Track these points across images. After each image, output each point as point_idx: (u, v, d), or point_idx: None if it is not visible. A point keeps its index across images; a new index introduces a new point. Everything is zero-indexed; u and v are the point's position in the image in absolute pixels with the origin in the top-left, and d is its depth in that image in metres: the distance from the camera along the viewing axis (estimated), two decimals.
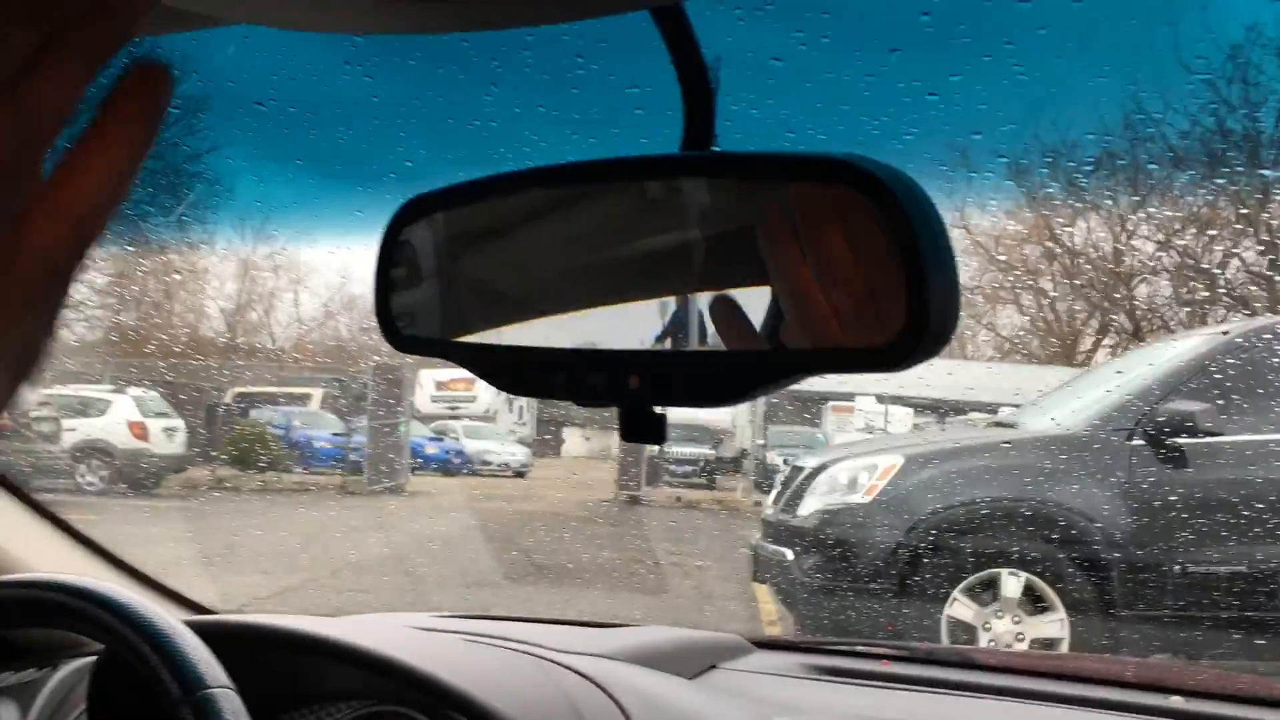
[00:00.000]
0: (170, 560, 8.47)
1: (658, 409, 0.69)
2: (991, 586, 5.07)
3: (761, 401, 23.28)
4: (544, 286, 0.77)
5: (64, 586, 0.90)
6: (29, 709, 1.32)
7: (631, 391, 0.66)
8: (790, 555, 5.58)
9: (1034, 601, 5.02)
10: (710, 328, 0.65)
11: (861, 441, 9.40)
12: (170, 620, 0.88)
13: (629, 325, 0.69)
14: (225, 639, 1.19)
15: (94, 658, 1.22)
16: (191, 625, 1.16)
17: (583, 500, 16.18)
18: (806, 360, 0.61)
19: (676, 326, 0.67)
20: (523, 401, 29.34)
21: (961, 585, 5.09)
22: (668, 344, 0.67)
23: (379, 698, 1.30)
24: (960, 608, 5.06)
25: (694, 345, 0.66)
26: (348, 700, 1.33)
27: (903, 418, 17.91)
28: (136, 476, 14.15)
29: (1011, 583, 5.04)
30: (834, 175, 0.58)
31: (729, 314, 0.65)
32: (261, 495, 15.24)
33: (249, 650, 1.23)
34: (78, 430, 13.98)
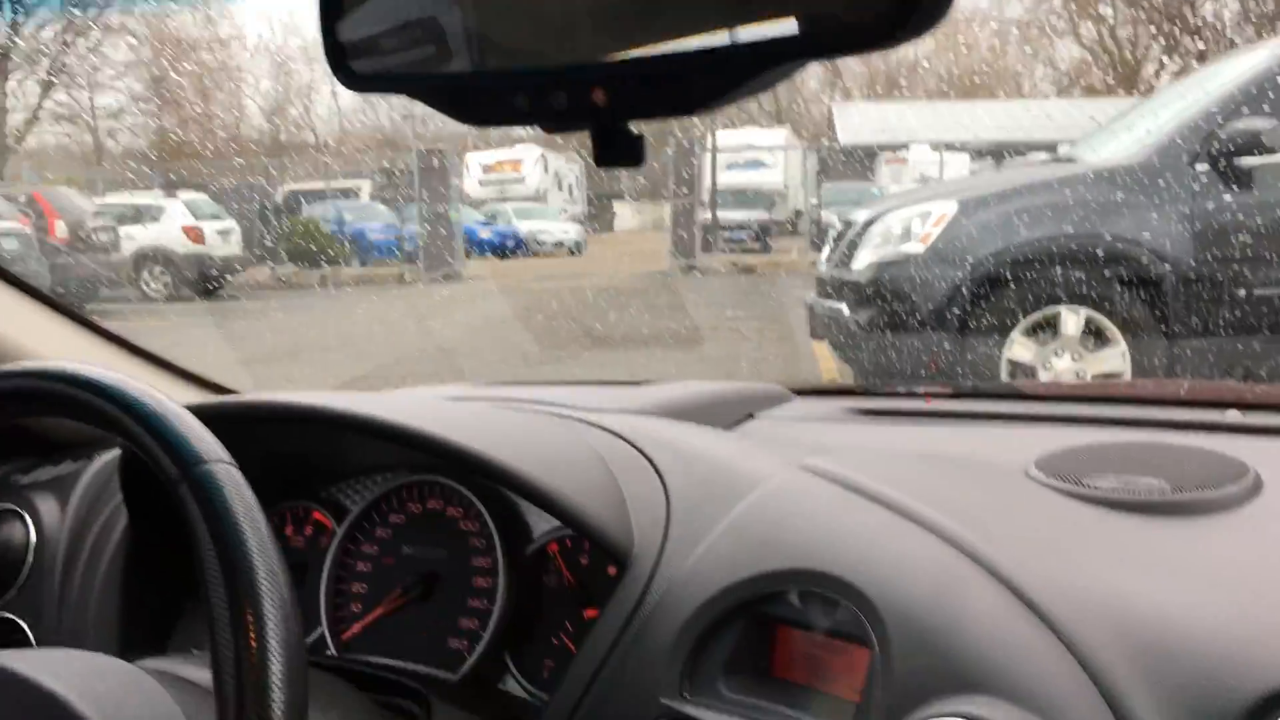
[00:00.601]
0: (239, 358, 8.69)
1: (633, 127, 0.62)
2: (1051, 325, 5.01)
3: (813, 160, 22.83)
4: (502, 8, 0.68)
5: (46, 372, 0.87)
6: (67, 502, 1.33)
7: (599, 108, 0.59)
8: (846, 310, 5.54)
9: (1095, 337, 4.96)
10: (681, 26, 0.57)
11: (915, 190, 9.18)
12: (161, 398, 0.84)
13: (594, 38, 0.62)
14: (247, 418, 1.17)
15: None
16: (211, 406, 1.14)
17: (639, 272, 16.21)
18: (788, 46, 0.53)
19: (641, 30, 0.59)
20: (571, 179, 29.12)
21: (1020, 325, 5.03)
22: (633, 52, 0.59)
23: (410, 468, 1.29)
24: (1019, 349, 5.02)
25: (661, 50, 0.58)
26: (381, 473, 1.33)
27: (959, 165, 17.51)
28: (198, 280, 14.39)
29: (1071, 320, 4.97)
30: None
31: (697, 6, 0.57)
32: (322, 290, 15.48)
33: (274, 428, 1.21)
34: (135, 239, 14.17)
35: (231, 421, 1.05)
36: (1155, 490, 0.97)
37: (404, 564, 1.28)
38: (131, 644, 1.24)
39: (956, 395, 1.52)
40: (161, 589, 1.27)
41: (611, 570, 1.12)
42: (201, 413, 0.87)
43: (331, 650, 1.28)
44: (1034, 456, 1.08)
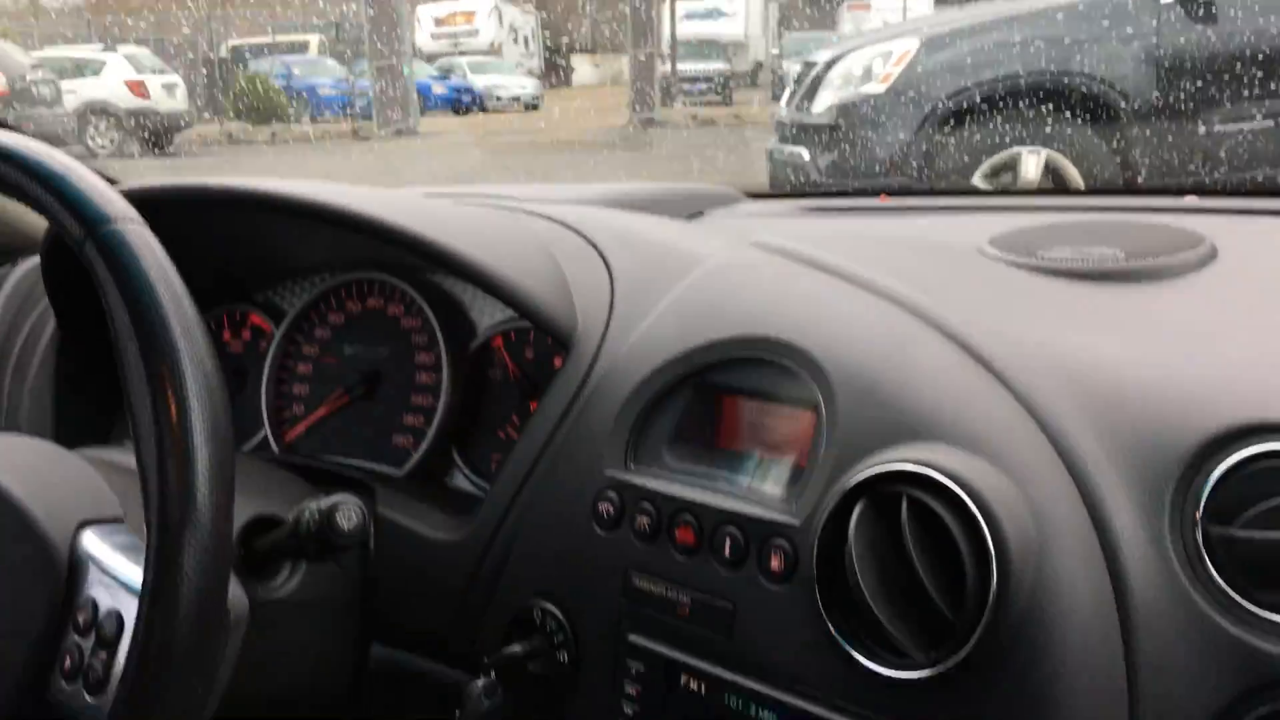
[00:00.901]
0: None
1: None
2: (1011, 168, 4.95)
3: (774, 9, 22.29)
4: None
5: None
6: None
7: None
8: (806, 155, 5.45)
9: (1054, 181, 4.91)
10: None
11: (876, 29, 8.98)
12: (64, 157, 0.78)
13: None
14: (174, 203, 1.11)
15: None
16: (135, 190, 1.08)
17: (597, 127, 15.90)
18: None
19: None
20: (527, 31, 28.25)
21: (980, 170, 4.96)
22: None
23: (348, 266, 1.25)
24: None
25: None
26: (318, 273, 1.29)
27: (924, 10, 17.14)
28: (146, 135, 13.97)
29: (1031, 161, 4.90)
30: None
31: None
32: (273, 146, 15.08)
33: (203, 217, 1.16)
34: (77, 93, 13.65)
35: (159, 208, 1.00)
36: (1109, 259, 0.95)
37: (346, 364, 1.25)
38: (68, 443, 1.21)
39: (911, 193, 1.48)
40: (94, 388, 1.23)
41: (557, 362, 1.10)
42: (127, 196, 0.81)
43: (276, 451, 1.25)
44: (989, 236, 1.06)
